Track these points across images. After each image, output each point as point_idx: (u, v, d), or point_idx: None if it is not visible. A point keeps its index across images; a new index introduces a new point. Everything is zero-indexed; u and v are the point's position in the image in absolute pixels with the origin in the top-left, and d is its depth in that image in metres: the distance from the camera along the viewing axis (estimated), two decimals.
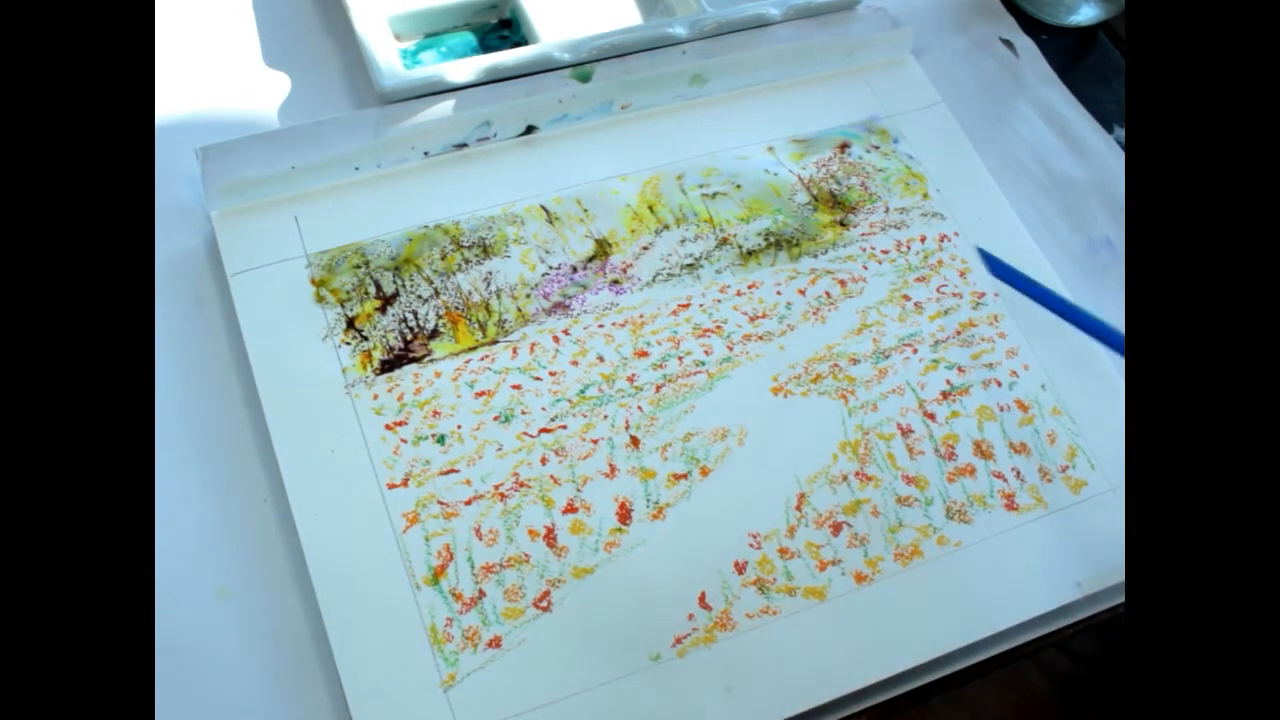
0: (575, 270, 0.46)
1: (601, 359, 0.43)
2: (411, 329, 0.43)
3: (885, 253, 0.48)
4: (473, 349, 0.43)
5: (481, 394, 0.42)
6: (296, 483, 0.39)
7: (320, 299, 0.43)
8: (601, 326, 0.44)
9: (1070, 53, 0.59)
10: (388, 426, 0.41)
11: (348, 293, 0.43)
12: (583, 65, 0.50)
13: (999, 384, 0.46)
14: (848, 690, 0.38)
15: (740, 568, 0.40)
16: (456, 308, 0.44)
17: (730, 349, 0.45)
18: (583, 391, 0.43)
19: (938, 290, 0.48)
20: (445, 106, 0.48)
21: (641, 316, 0.45)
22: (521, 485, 0.40)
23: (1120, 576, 0.42)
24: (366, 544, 0.38)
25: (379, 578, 0.38)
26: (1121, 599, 0.42)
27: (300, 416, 0.40)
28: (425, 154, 0.47)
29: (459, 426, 0.41)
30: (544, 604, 0.38)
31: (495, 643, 0.37)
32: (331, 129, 0.46)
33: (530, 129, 0.49)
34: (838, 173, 0.50)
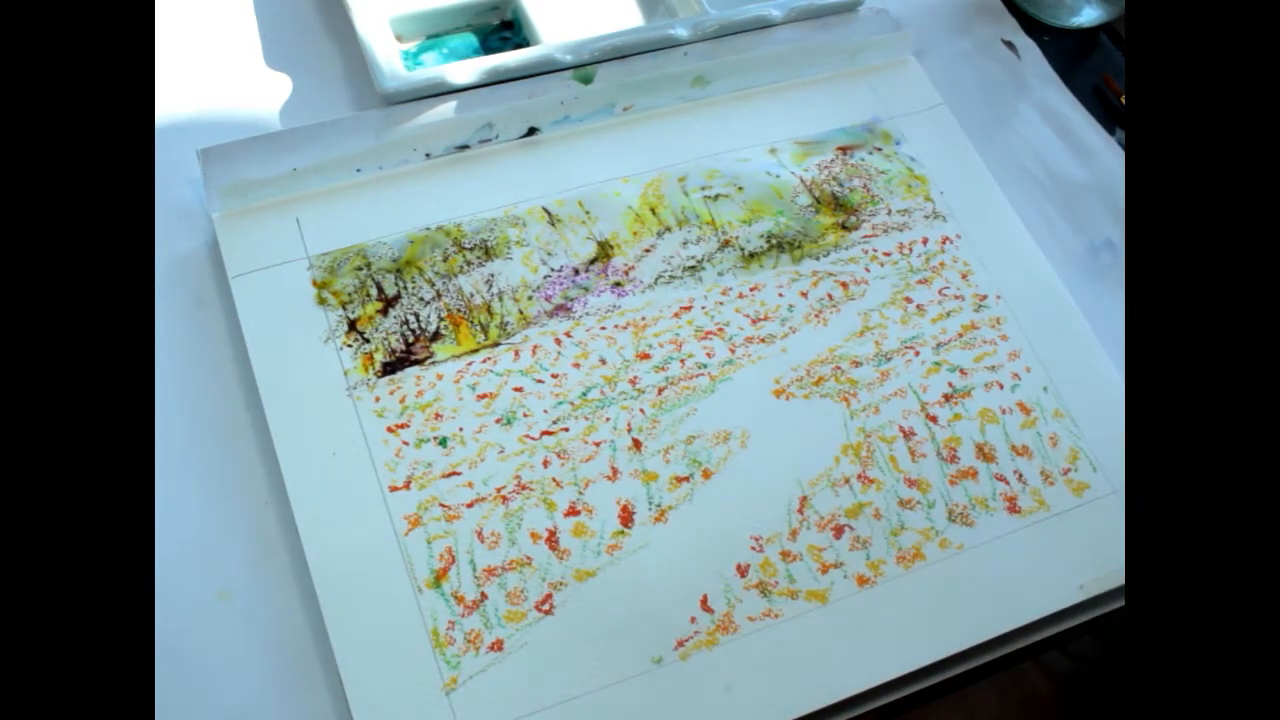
0: (577, 272, 0.45)
1: (603, 361, 0.43)
2: (413, 331, 0.43)
3: (887, 255, 0.48)
4: (474, 351, 0.43)
5: (483, 396, 0.42)
6: (298, 485, 0.39)
7: (322, 301, 0.43)
8: (603, 329, 0.44)
9: (1072, 54, 0.59)
10: (389, 429, 0.41)
11: (349, 295, 0.43)
12: (585, 67, 0.50)
13: (1001, 386, 0.46)
14: (850, 693, 0.38)
15: (742, 570, 0.40)
16: (458, 310, 0.44)
17: (732, 351, 0.45)
18: (585, 394, 0.43)
19: (940, 293, 0.48)
20: (447, 108, 0.48)
21: (643, 319, 0.45)
22: (523, 488, 0.40)
23: (1122, 579, 0.42)
24: (368, 547, 0.38)
25: (381, 580, 0.38)
26: (1123, 601, 0.42)
27: (302, 419, 0.40)
28: (427, 156, 0.47)
29: (461, 429, 0.41)
30: (546, 607, 0.38)
31: (497, 646, 0.37)
32: (333, 130, 0.46)
33: (532, 130, 0.49)
34: (840, 175, 0.50)
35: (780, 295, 0.46)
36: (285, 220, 0.45)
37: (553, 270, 0.45)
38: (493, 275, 0.45)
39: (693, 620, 0.39)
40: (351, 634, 0.37)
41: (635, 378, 0.43)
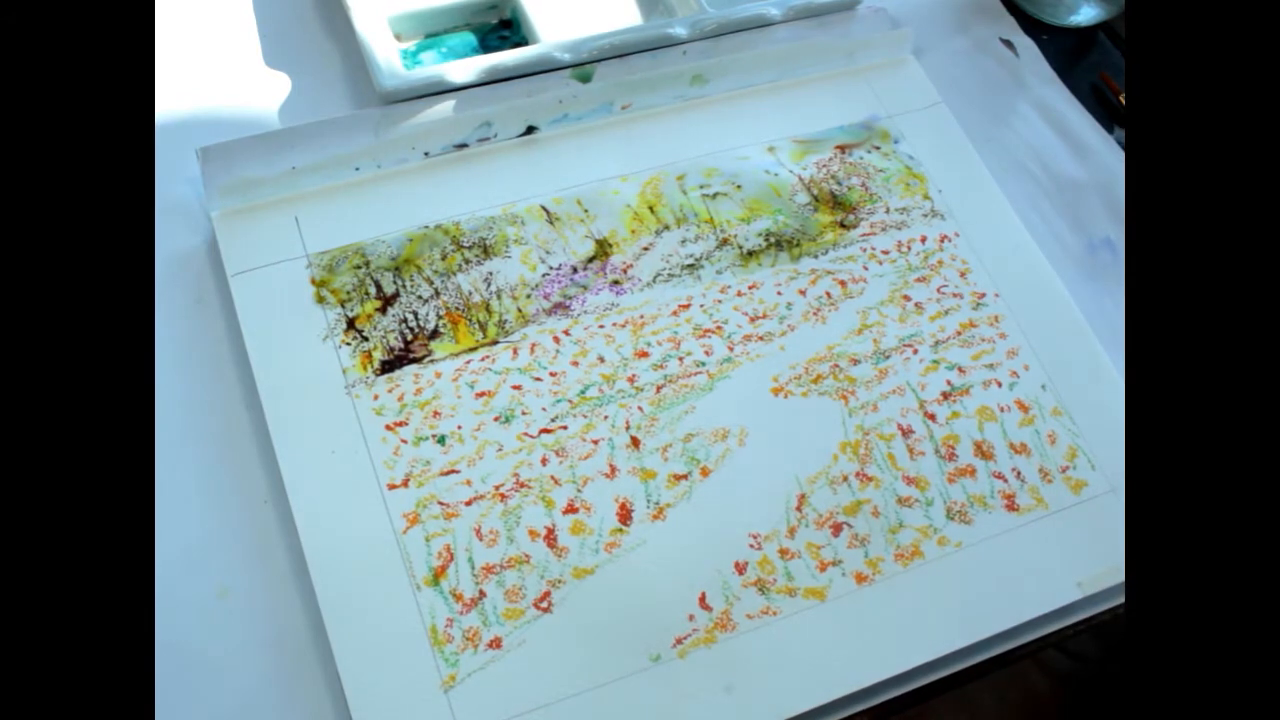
0: (576, 271, 0.46)
1: (602, 359, 0.43)
2: (412, 329, 0.43)
3: (886, 253, 0.48)
4: (473, 349, 0.43)
5: (482, 394, 0.42)
6: (297, 483, 0.39)
7: (321, 299, 0.43)
8: (602, 327, 0.44)
9: (1070, 53, 0.59)
10: (388, 427, 0.41)
11: (348, 293, 0.43)
12: (583, 65, 0.50)
13: (999, 384, 0.46)
14: (848, 691, 0.38)
15: (741, 568, 0.40)
16: (457, 308, 0.44)
17: (731, 349, 0.45)
18: (583, 392, 0.43)
19: (938, 290, 0.48)
20: (446, 107, 0.48)
21: (642, 317, 0.45)
22: (522, 486, 0.40)
23: (1120, 577, 0.42)
24: (367, 544, 0.38)
25: (379, 578, 0.38)
26: (1122, 599, 0.42)
27: (300, 417, 0.40)
28: (426, 154, 0.47)
29: (459, 427, 0.41)
30: (544, 605, 0.38)
31: (496, 643, 0.37)
32: (332, 129, 0.46)
33: (531, 129, 0.49)
34: (838, 173, 0.50)
35: (779, 293, 0.46)
36: (284, 218, 0.45)
37: (551, 268, 0.45)
38: (491, 273, 0.45)
39: (691, 618, 0.39)
40: (350, 631, 0.37)
41: (634, 376, 0.43)
